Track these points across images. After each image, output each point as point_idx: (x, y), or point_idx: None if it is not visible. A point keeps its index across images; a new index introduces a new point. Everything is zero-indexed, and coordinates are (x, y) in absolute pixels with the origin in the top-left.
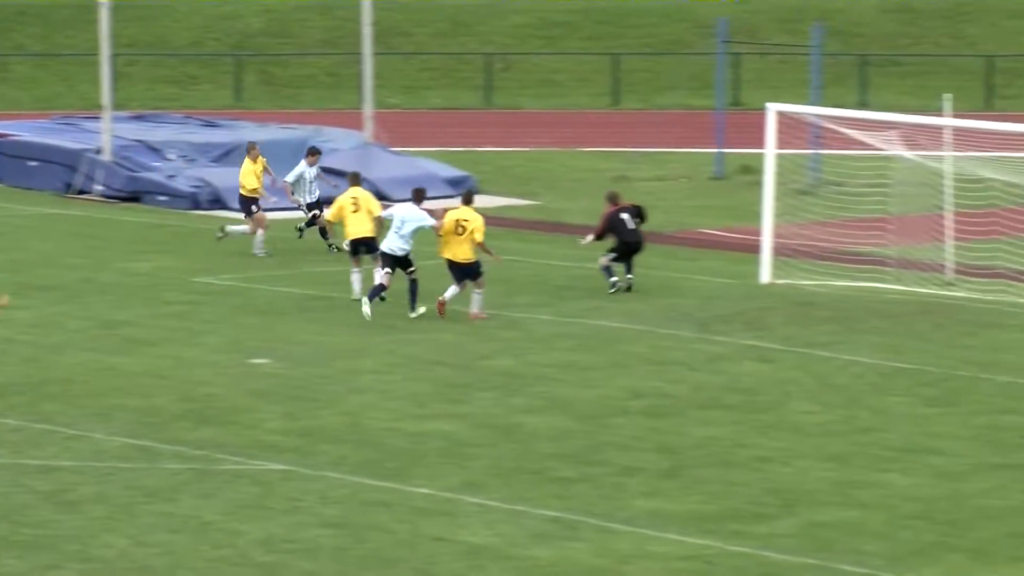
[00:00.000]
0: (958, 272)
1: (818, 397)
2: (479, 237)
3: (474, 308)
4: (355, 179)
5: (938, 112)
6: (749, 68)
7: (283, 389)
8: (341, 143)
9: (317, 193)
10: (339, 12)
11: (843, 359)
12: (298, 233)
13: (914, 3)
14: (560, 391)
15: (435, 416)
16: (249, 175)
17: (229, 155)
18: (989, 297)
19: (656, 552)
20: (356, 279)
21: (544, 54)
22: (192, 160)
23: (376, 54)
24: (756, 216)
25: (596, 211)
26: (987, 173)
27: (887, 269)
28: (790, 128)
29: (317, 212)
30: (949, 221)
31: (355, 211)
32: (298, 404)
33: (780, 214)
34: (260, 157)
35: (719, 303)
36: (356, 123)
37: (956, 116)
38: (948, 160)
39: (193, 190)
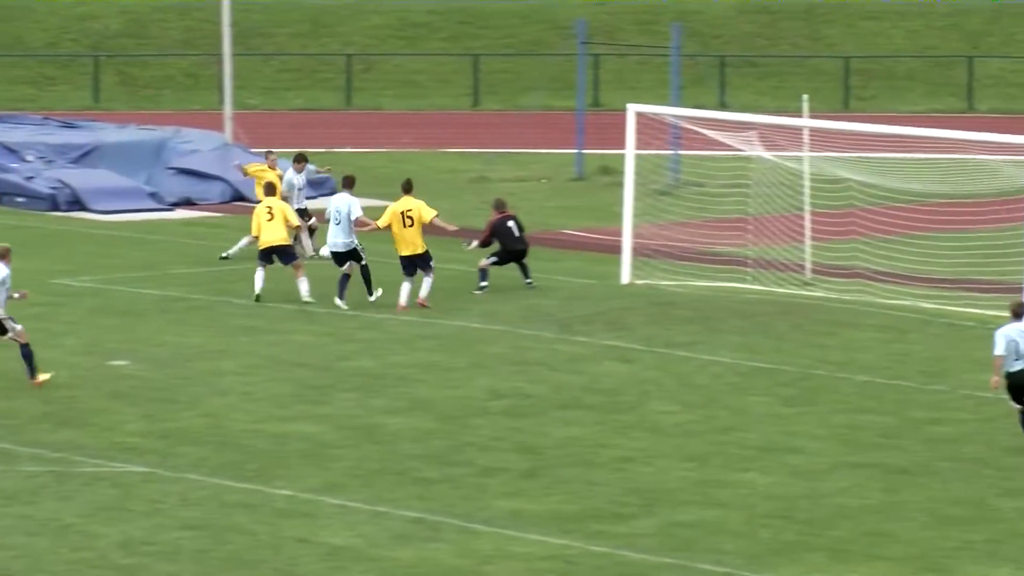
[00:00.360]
0: (816, 272)
1: (678, 397)
2: (428, 218)
3: (423, 294)
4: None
5: (796, 113)
6: (608, 69)
7: (143, 391)
8: (200, 144)
9: (305, 202)
10: (198, 13)
11: (702, 359)
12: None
13: (771, 5)
14: (421, 392)
15: (297, 417)
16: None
17: (88, 156)
18: (846, 297)
19: (517, 552)
20: (260, 276)
21: (404, 55)
22: (50, 161)
23: (236, 55)
24: (616, 217)
25: (457, 212)
26: (844, 173)
27: (746, 269)
28: (650, 129)
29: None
30: (807, 221)
31: (269, 219)
32: (158, 406)
33: (640, 214)
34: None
35: (580, 303)
36: (216, 124)
37: (813, 117)
38: (806, 160)
39: (51, 191)
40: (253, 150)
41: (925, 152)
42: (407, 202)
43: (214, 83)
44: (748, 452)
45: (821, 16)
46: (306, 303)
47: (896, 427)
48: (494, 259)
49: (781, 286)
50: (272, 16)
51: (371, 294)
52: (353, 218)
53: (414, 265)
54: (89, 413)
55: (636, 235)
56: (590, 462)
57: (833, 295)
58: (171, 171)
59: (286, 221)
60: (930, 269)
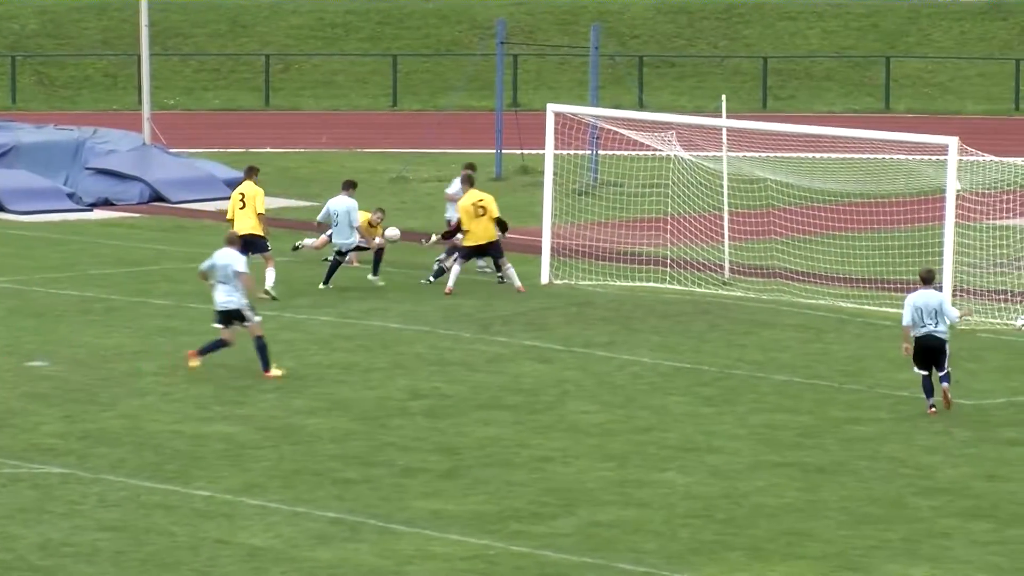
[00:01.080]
0: (734, 272)
1: (597, 397)
2: (496, 212)
3: (517, 283)
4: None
5: (714, 112)
6: (527, 69)
7: (62, 392)
8: (119, 145)
9: None
10: (116, 13)
11: (622, 359)
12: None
13: (689, 5)
14: (341, 392)
15: (216, 418)
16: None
17: (5, 156)
18: (765, 296)
19: (438, 552)
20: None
21: (322, 55)
22: None
23: (154, 55)
24: (535, 217)
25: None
26: (762, 173)
27: (665, 269)
28: (569, 129)
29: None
30: (726, 221)
31: (241, 208)
32: (77, 407)
33: (559, 214)
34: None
35: (499, 304)
36: (134, 124)
37: (732, 117)
38: (724, 160)
39: None
40: (172, 150)
41: (843, 152)
42: (477, 194)
43: (132, 83)
44: (667, 452)
45: (739, 16)
46: (266, 294)
47: (814, 426)
48: (456, 255)
49: (700, 286)
50: (190, 16)
51: (376, 274)
52: (356, 224)
53: (487, 253)
54: (7, 414)
55: (555, 235)
56: (509, 462)
57: (751, 295)
58: (89, 171)
59: (256, 210)
60: (848, 269)
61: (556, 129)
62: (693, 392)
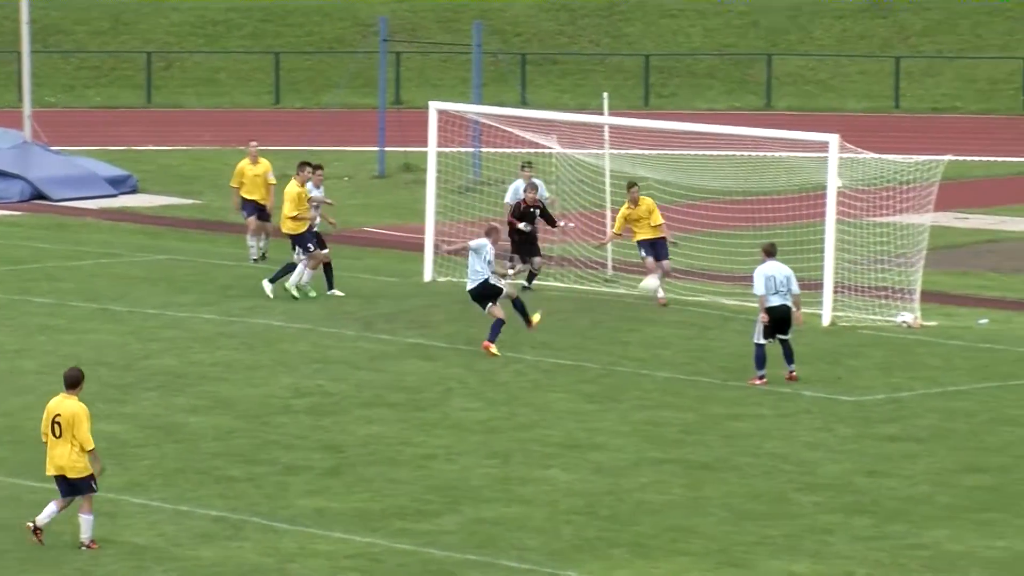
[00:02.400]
0: (616, 268)
1: (481, 394)
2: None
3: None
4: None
5: (597, 110)
6: (410, 66)
7: None
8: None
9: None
10: None
11: (505, 356)
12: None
13: (572, 2)
14: (224, 390)
15: (98, 417)
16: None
17: None
18: (648, 295)
19: (321, 550)
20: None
21: (204, 52)
22: None
23: (34, 52)
24: (419, 214)
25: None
26: (644, 171)
27: (548, 266)
28: (452, 126)
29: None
30: (608, 218)
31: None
32: None
33: (442, 212)
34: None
35: (382, 301)
36: (15, 122)
37: (614, 114)
38: (607, 158)
39: None
40: (53, 148)
41: (725, 149)
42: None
43: (12, 81)
44: (550, 449)
45: (621, 14)
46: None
47: (697, 423)
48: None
49: (583, 283)
50: (71, 14)
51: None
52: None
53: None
54: None
55: (438, 233)
56: (393, 460)
57: (634, 292)
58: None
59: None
60: (730, 266)
61: (439, 127)
62: (576, 389)
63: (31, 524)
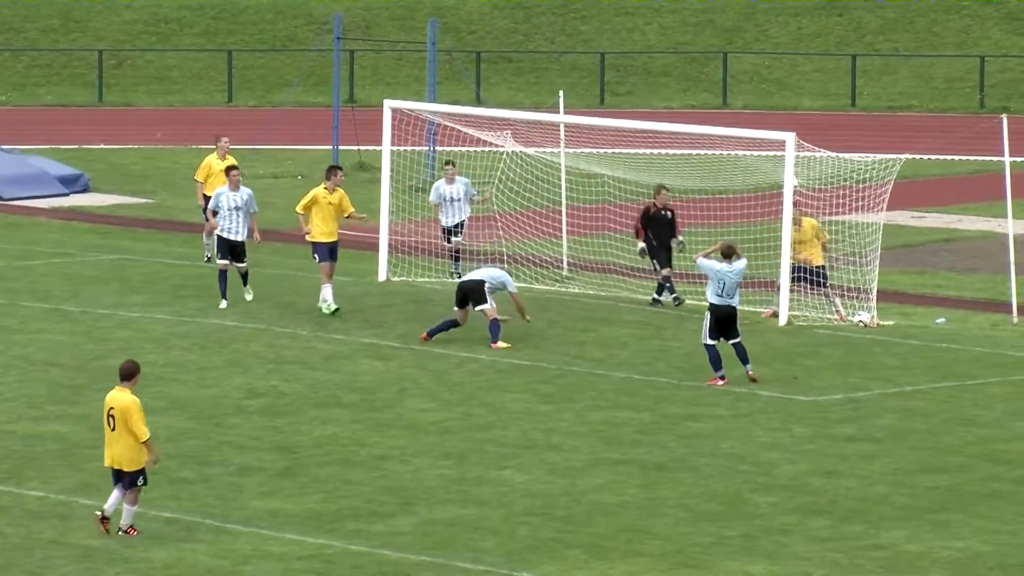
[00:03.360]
0: (572, 266)
1: (435, 395)
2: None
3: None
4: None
5: (552, 108)
6: (364, 64)
7: None
8: None
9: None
10: None
11: (460, 356)
12: None
13: (526, 0)
14: (176, 391)
15: (50, 418)
16: None
17: None
18: (603, 292)
19: (275, 552)
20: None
21: (157, 50)
22: None
23: None
24: (373, 213)
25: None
26: (599, 169)
27: (503, 265)
28: (406, 125)
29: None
30: (564, 216)
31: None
32: None
33: (396, 211)
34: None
35: (337, 301)
36: None
37: (569, 112)
38: (562, 156)
39: None
40: (3, 147)
41: (681, 148)
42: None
43: None
44: (506, 450)
45: (576, 12)
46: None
47: (653, 423)
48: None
49: (538, 281)
50: (21, 11)
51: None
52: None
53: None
54: None
55: (393, 232)
56: (347, 461)
57: (590, 291)
58: None
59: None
60: (686, 265)
61: (393, 125)
62: (532, 389)
63: (99, 513)
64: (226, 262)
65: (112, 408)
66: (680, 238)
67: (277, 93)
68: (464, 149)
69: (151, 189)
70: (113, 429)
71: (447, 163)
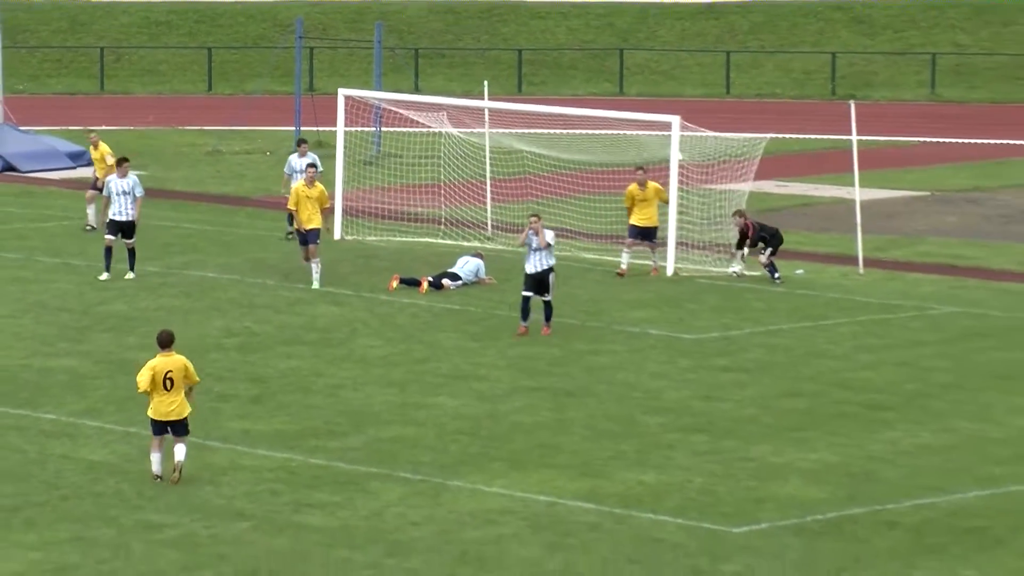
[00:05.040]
0: (496, 228)
1: (381, 334)
2: (665, 196)
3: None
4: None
5: (478, 96)
6: (322, 59)
7: None
8: None
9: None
10: None
11: (402, 302)
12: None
13: (456, 5)
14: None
15: (60, 354)
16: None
17: None
18: (521, 249)
19: (247, 465)
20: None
21: (149, 48)
22: None
23: (4, 48)
24: (329, 183)
25: (195, 179)
26: (519, 146)
27: (438, 227)
28: (357, 110)
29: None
30: (488, 187)
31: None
32: None
33: (349, 181)
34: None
35: (298, 256)
36: None
37: (493, 99)
38: (487, 136)
39: None
40: (21, 128)
41: (585, 129)
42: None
43: None
44: (440, 379)
45: (498, 15)
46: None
47: (562, 357)
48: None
49: (468, 240)
50: (36, 15)
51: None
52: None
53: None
54: None
55: (346, 198)
56: (308, 389)
57: (511, 248)
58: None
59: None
60: (589, 226)
61: (346, 110)
62: (462, 330)
63: (158, 478)
64: (112, 238)
65: (169, 371)
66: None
67: (249, 83)
68: (405, 130)
69: (144, 163)
70: (169, 389)
71: (300, 140)
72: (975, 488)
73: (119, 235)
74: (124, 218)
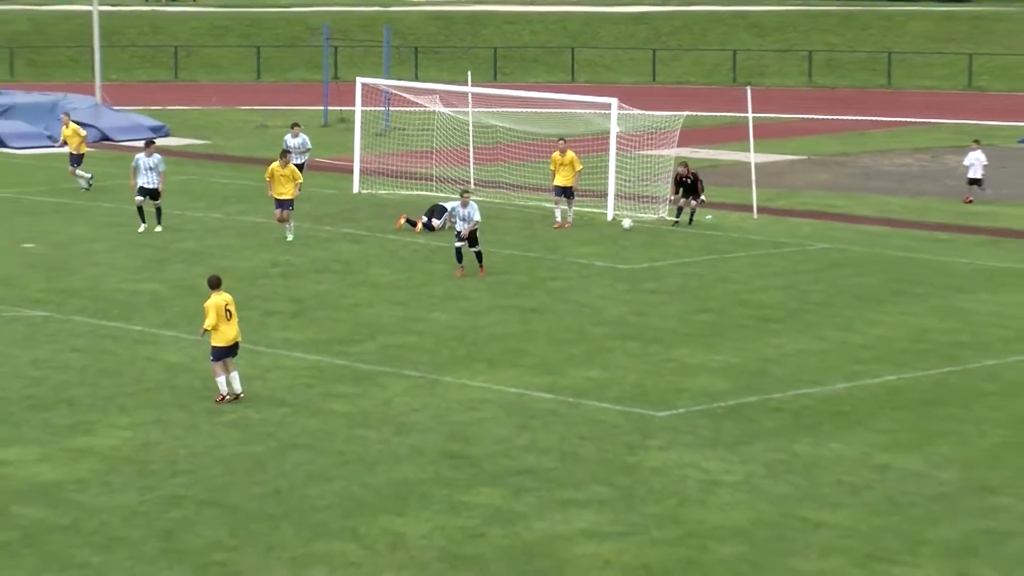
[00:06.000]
0: (477, 184)
1: (390, 265)
2: (579, 166)
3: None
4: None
5: (463, 83)
6: (343, 55)
7: (44, 263)
8: (79, 104)
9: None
10: (78, 19)
11: (405, 240)
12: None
13: (447, 13)
14: (226, 263)
15: (145, 280)
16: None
17: (6, 112)
18: (496, 200)
19: (287, 365)
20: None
21: (212, 47)
22: None
23: (102, 46)
24: (350, 150)
25: (247, 147)
26: (494, 122)
27: (432, 183)
28: (370, 93)
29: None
30: (471, 153)
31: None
32: (54, 273)
33: (365, 148)
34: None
35: (327, 205)
36: (89, 91)
37: (475, 86)
38: (470, 114)
39: None
40: (114, 107)
41: (544, 108)
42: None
43: (88, 65)
44: (434, 300)
45: (479, 21)
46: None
47: (528, 282)
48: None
49: (454, 192)
50: (125, 21)
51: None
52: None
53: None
54: (8, 278)
55: (362, 161)
56: (334, 306)
57: (487, 200)
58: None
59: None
60: (548, 183)
61: (362, 94)
62: (450, 261)
63: (231, 398)
64: (141, 198)
65: (228, 304)
66: (702, 197)
67: (289, 73)
68: (407, 109)
69: (208, 135)
70: (229, 319)
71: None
72: (841, 381)
73: (147, 198)
74: (151, 186)
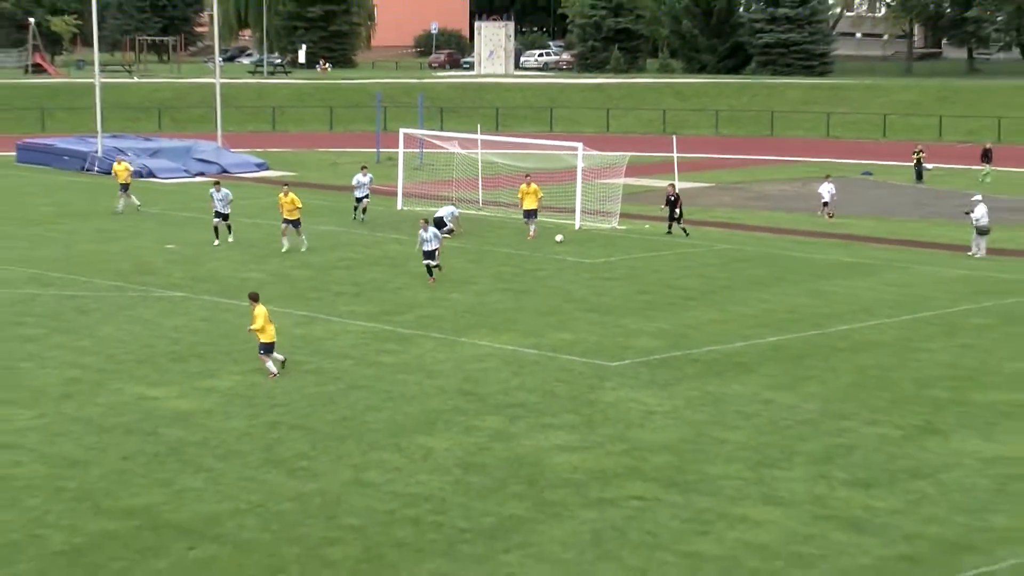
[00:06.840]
0: (484, 203)
1: (418, 259)
2: (540, 194)
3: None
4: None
5: (474, 132)
6: (391, 112)
7: (182, 259)
8: (207, 147)
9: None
10: (207, 88)
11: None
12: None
13: (463, 84)
14: (308, 259)
15: (250, 270)
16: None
17: (156, 153)
18: (496, 215)
19: (352, 330)
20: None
21: (298, 107)
22: (138, 155)
23: (223, 107)
24: (394, 179)
25: (323, 177)
26: (496, 159)
27: (453, 202)
28: (409, 140)
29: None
30: (479, 182)
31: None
32: (188, 265)
33: (405, 178)
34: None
35: (380, 219)
36: (212, 138)
37: (483, 135)
38: (479, 155)
39: (138, 170)
40: (232, 149)
41: (529, 151)
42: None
43: (213, 120)
44: (449, 284)
45: (485, 89)
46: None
47: (519, 273)
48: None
49: (469, 209)
50: (238, 90)
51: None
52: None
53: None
54: (156, 269)
55: (404, 187)
56: (383, 289)
57: (493, 215)
58: (194, 160)
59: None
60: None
61: (404, 140)
62: (464, 257)
63: (275, 374)
64: (217, 220)
65: (267, 313)
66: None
67: (353, 125)
68: (435, 151)
69: (295, 168)
70: (271, 322)
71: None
72: (739, 341)
73: (220, 219)
74: (223, 211)
